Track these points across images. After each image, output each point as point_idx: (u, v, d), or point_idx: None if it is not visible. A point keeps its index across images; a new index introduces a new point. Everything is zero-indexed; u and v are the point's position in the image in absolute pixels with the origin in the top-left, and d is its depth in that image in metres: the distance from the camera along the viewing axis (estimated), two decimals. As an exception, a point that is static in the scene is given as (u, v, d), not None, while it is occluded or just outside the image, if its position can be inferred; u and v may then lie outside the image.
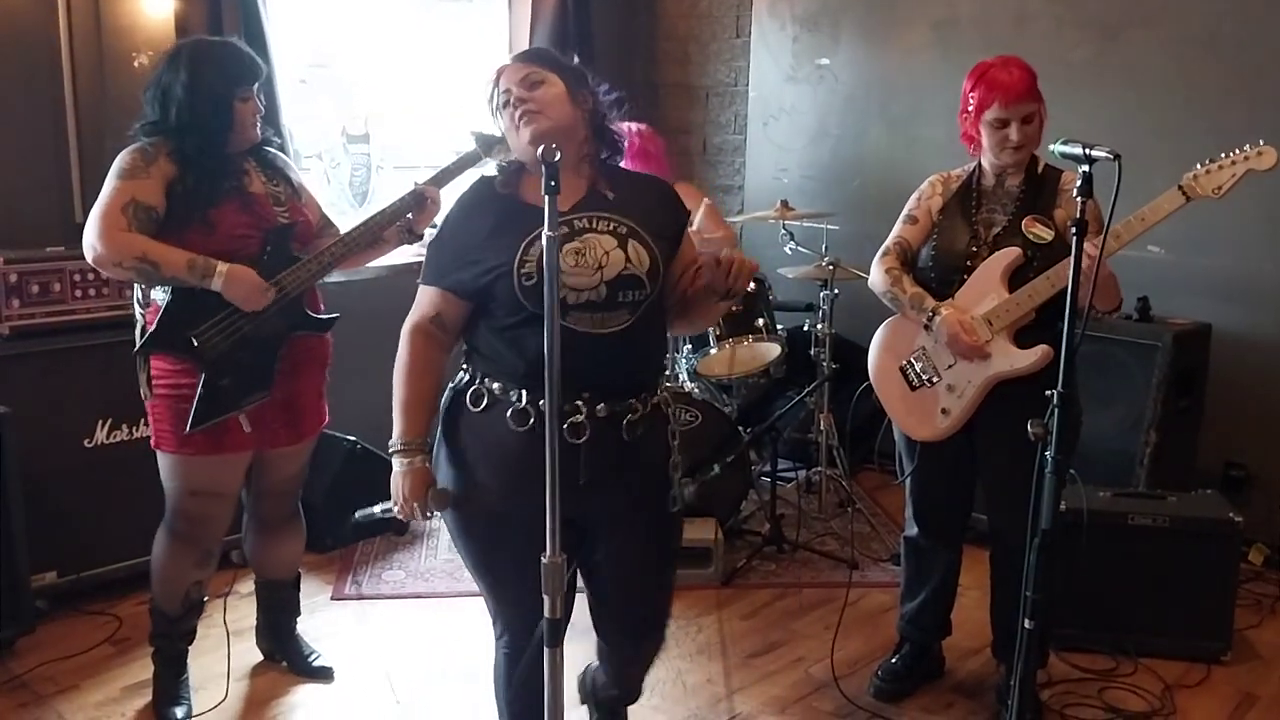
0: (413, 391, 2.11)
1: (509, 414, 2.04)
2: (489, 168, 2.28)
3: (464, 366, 2.16)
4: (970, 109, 2.73)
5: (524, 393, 2.03)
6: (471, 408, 2.09)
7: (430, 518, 2.14)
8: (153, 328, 2.60)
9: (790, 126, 5.26)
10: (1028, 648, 2.26)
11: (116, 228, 2.49)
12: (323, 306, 2.88)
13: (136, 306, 2.72)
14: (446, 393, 2.16)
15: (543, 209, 1.85)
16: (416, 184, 2.86)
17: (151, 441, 2.73)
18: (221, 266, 2.54)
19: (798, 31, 5.18)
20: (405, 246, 2.94)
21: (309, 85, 4.79)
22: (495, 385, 2.07)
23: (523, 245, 2.02)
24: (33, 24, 3.57)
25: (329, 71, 4.86)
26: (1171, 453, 3.75)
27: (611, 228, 2.08)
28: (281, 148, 4.05)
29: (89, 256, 2.52)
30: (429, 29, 5.07)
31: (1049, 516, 2.20)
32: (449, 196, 2.89)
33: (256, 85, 2.69)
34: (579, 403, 2.01)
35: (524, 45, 5.11)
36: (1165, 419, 3.69)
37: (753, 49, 5.36)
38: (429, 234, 2.93)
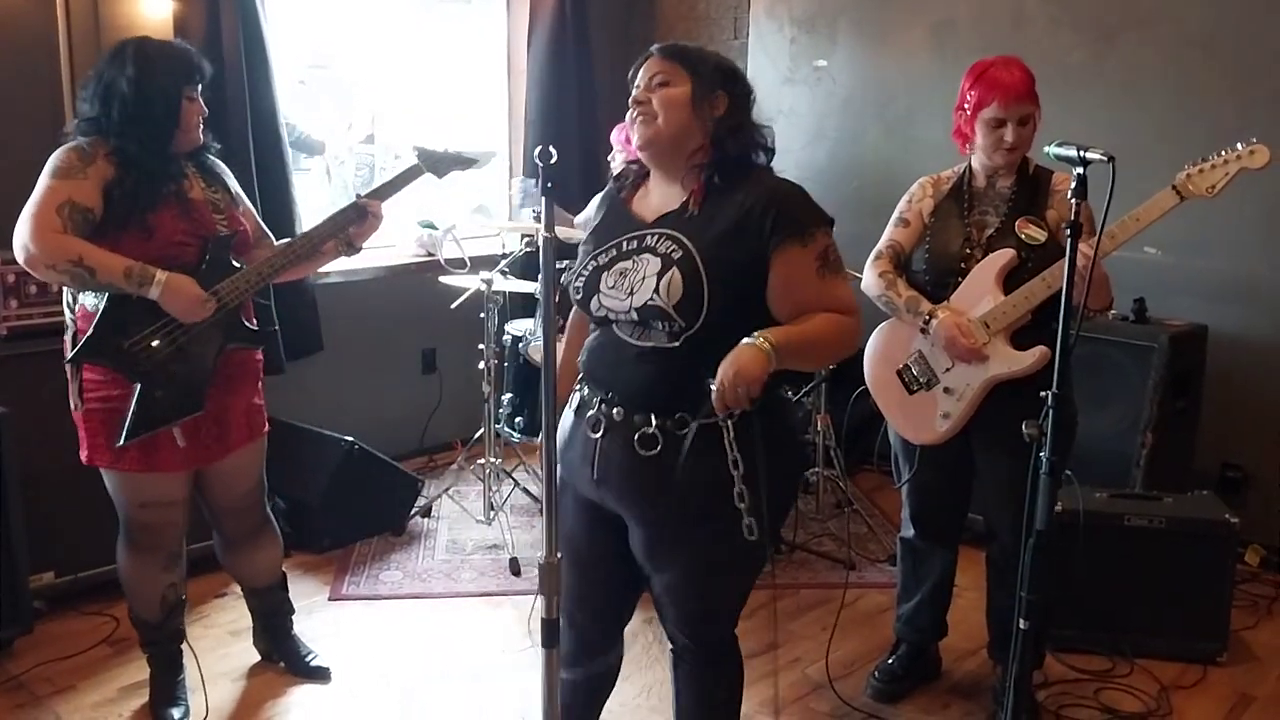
0: (562, 356, 2.29)
1: (573, 402, 2.20)
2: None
3: None
4: (967, 106, 2.73)
5: (584, 386, 2.16)
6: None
7: None
8: (87, 334, 2.49)
9: (788, 128, 5.26)
10: (1023, 648, 2.26)
11: (50, 228, 2.38)
12: (256, 320, 2.79)
13: (66, 311, 2.62)
14: None
15: (632, 218, 2.11)
16: (358, 196, 2.81)
17: (84, 457, 2.63)
18: (160, 275, 2.44)
19: (795, 33, 5.18)
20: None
21: (308, 86, 4.80)
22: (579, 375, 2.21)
23: (587, 258, 2.11)
24: (32, 25, 3.57)
25: (328, 72, 4.87)
26: (1168, 454, 3.75)
27: (667, 250, 2.00)
28: (277, 147, 4.10)
29: (20, 258, 2.41)
30: (428, 29, 5.09)
31: (1044, 517, 2.21)
32: (390, 211, 2.89)
33: (201, 86, 2.61)
34: (601, 401, 2.08)
35: (522, 46, 5.11)
36: (1162, 420, 3.69)
37: (750, 51, 5.36)
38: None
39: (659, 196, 2.12)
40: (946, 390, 2.78)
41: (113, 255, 2.43)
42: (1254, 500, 3.96)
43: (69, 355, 2.55)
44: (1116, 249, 2.52)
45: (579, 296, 2.09)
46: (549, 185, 1.79)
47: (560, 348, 2.23)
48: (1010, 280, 2.68)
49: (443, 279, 4.24)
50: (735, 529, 1.99)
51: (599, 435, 2.07)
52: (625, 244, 2.07)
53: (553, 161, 1.79)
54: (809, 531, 4.19)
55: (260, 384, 2.85)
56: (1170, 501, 3.31)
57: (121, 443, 2.52)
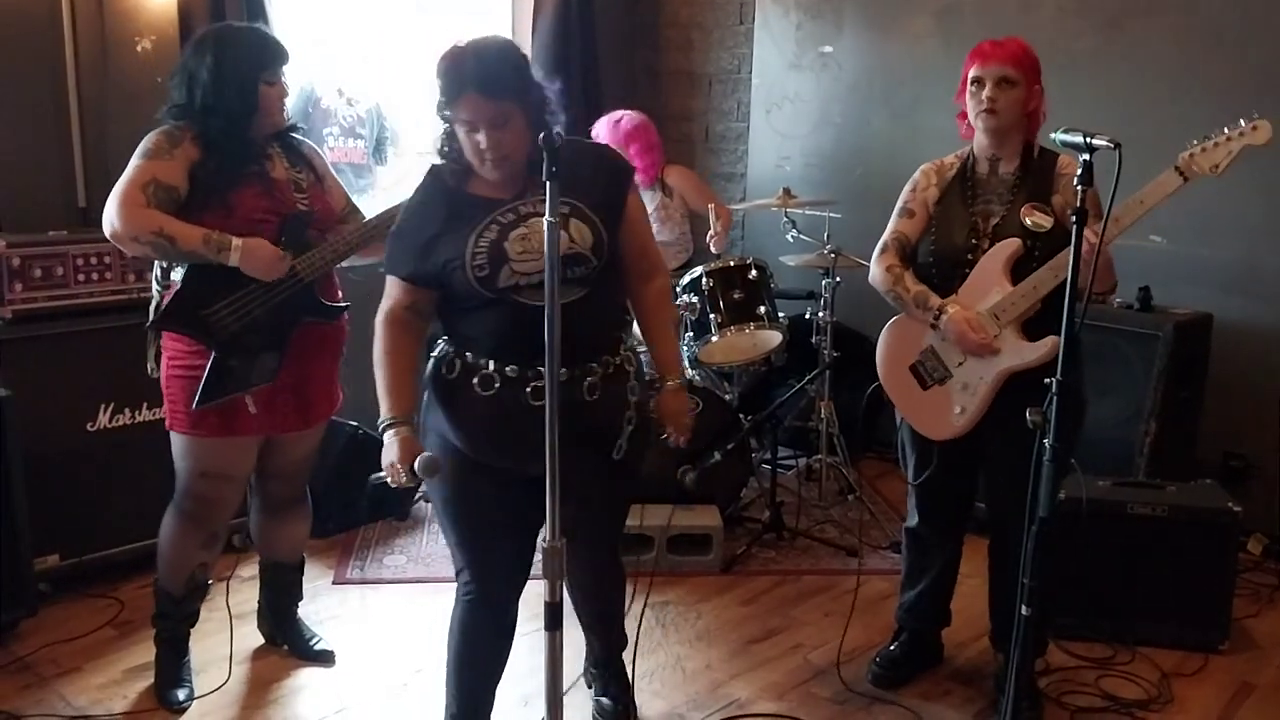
0: (392, 376, 2.28)
1: (475, 380, 2.21)
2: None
3: (442, 339, 2.34)
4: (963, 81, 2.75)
5: (491, 361, 2.21)
6: (446, 375, 2.28)
7: (415, 484, 2.23)
8: (168, 303, 2.63)
9: (793, 114, 5.25)
10: (1025, 635, 2.26)
11: (134, 204, 2.51)
12: (340, 294, 2.89)
13: (155, 285, 2.75)
14: (430, 363, 2.34)
15: (489, 200, 2.21)
16: None
17: (166, 422, 2.76)
18: (236, 241, 2.55)
19: (801, 19, 5.17)
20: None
21: (312, 70, 4.79)
22: (467, 354, 2.24)
23: (471, 239, 2.17)
24: (36, 8, 3.57)
25: (332, 56, 4.86)
26: (1171, 442, 3.75)
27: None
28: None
29: (107, 232, 2.54)
30: (432, 14, 5.07)
31: (1047, 504, 2.21)
32: None
33: (284, 70, 2.70)
34: (540, 369, 2.13)
35: (528, 31, 5.09)
36: (1165, 409, 3.69)
37: (756, 36, 5.35)
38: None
39: (489, 182, 2.23)
40: (961, 385, 2.75)
41: (191, 225, 2.54)
42: (1257, 489, 3.96)
43: (149, 322, 2.69)
44: (1122, 233, 2.50)
45: (484, 273, 2.15)
46: (554, 170, 1.79)
47: (384, 362, 2.28)
48: (1018, 269, 2.66)
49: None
50: (635, 452, 2.39)
51: (541, 402, 2.06)
52: (502, 218, 2.20)
53: (556, 146, 1.80)
54: (811, 518, 4.19)
55: (339, 358, 2.95)
56: (1173, 490, 3.31)
57: (195, 405, 2.62)
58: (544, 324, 2.08)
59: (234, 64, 2.60)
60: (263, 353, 2.67)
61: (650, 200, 4.41)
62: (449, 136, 2.21)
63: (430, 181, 2.30)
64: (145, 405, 3.40)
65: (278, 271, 2.63)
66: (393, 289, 2.29)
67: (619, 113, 4.41)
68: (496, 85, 2.11)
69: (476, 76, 2.09)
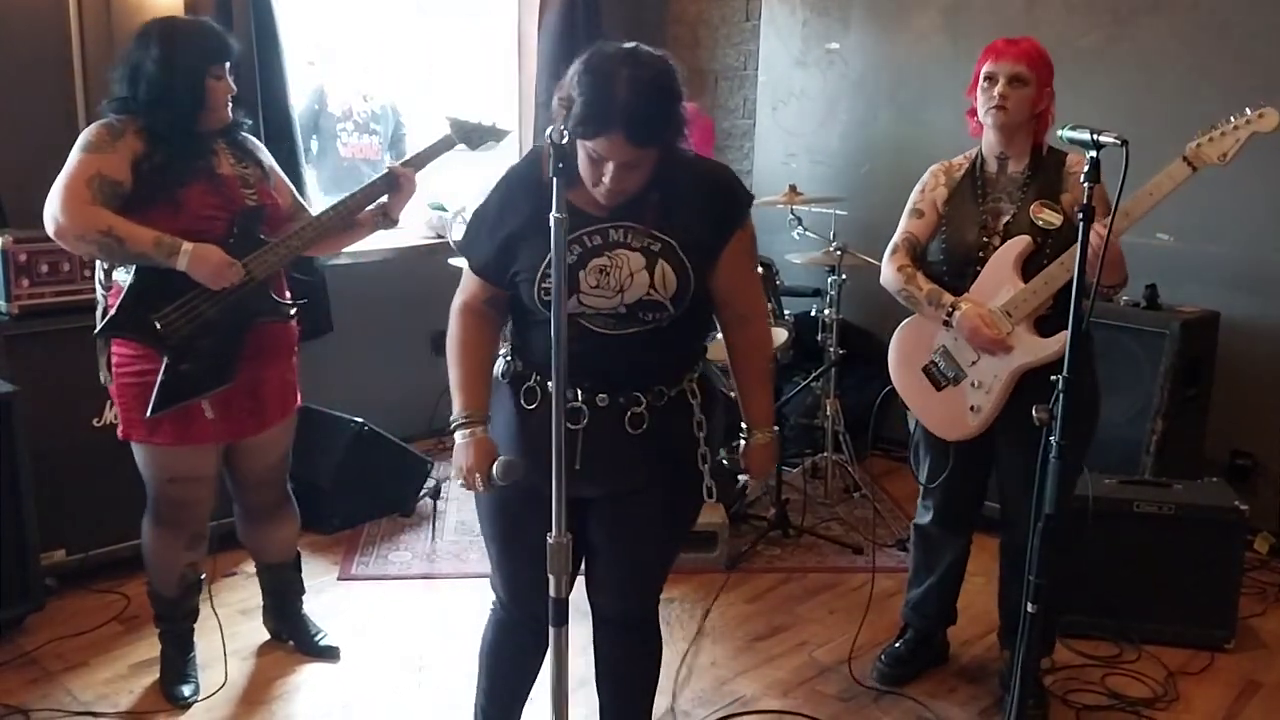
0: (466, 368, 2.11)
1: (522, 391, 2.09)
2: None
3: (504, 341, 2.19)
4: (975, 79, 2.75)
5: (537, 374, 2.06)
6: (501, 379, 2.14)
7: (494, 488, 2.05)
8: (114, 309, 2.53)
9: (799, 111, 5.25)
10: (1031, 632, 2.26)
11: (81, 200, 2.42)
12: (288, 294, 2.81)
13: (98, 287, 2.65)
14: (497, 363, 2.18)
15: (580, 212, 1.95)
16: (390, 166, 2.82)
17: (119, 431, 2.68)
18: (187, 245, 2.46)
19: (807, 15, 5.16)
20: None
21: (317, 67, 4.80)
22: (519, 364, 2.11)
23: (547, 258, 1.90)
24: (43, 6, 3.57)
25: (338, 54, 4.87)
26: (1178, 441, 3.74)
27: (644, 244, 1.98)
28: (288, 131, 4.09)
29: (50, 229, 2.44)
30: (437, 10, 5.07)
31: (1054, 502, 2.20)
32: (424, 180, 2.88)
33: (229, 64, 2.63)
34: (578, 390, 2.01)
35: (532, 26, 5.08)
36: (1172, 407, 3.68)
37: (762, 33, 5.34)
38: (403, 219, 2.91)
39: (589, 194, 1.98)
40: (975, 384, 2.74)
41: (141, 227, 2.46)
42: (1264, 488, 3.95)
43: (96, 330, 2.59)
44: (1132, 225, 2.49)
45: (549, 297, 1.93)
46: (560, 165, 1.78)
47: (458, 355, 2.11)
48: (1029, 266, 2.66)
49: (452, 261, 4.23)
50: (697, 489, 2.13)
51: (580, 426, 2.02)
52: (588, 240, 1.99)
53: (566, 143, 1.79)
54: (817, 516, 4.19)
55: (294, 359, 2.87)
56: (1180, 488, 3.31)
57: (149, 414, 2.55)
58: (600, 347, 1.99)
59: (181, 57, 2.51)
60: (217, 355, 2.57)
61: None
62: (565, 141, 1.81)
63: (525, 170, 2.05)
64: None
65: (227, 279, 2.52)
66: (468, 281, 2.12)
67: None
68: (645, 132, 1.85)
69: (627, 117, 1.82)
